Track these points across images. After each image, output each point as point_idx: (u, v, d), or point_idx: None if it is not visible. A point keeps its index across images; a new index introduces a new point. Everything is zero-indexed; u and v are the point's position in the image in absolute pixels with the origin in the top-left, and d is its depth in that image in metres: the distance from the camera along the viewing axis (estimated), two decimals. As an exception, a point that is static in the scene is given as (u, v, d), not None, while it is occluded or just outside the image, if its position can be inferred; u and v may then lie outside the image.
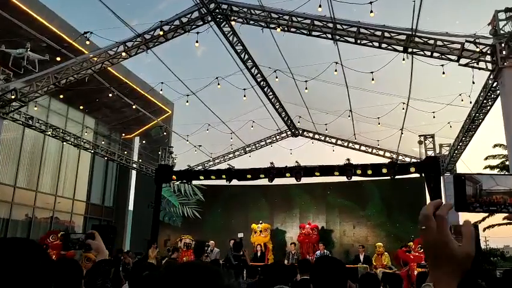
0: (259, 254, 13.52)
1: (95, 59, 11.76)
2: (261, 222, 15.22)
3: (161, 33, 10.99)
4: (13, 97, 11.98)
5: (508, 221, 21.61)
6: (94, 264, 2.79)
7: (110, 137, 19.66)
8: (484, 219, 22.33)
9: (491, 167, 21.19)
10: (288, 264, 9.88)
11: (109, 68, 12.59)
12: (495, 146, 20.27)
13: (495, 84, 9.29)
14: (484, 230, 22.07)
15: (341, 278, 2.33)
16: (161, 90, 13.60)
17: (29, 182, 17.14)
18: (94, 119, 19.95)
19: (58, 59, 11.72)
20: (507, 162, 15.06)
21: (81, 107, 17.85)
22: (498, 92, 9.28)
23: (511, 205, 1.02)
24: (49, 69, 11.90)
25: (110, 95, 14.49)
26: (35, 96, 12.49)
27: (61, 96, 15.16)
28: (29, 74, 11.86)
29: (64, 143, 15.72)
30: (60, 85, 12.17)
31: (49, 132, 14.43)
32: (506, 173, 16.52)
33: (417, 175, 13.48)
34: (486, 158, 21.36)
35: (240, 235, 15.04)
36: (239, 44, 11.98)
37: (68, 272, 2.80)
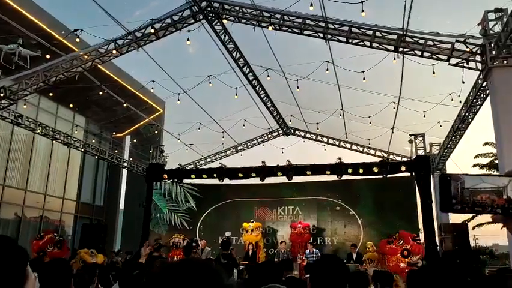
0: (250, 253, 13.51)
1: (86, 56, 11.66)
2: (252, 221, 15.22)
3: (152, 31, 10.92)
4: (2, 95, 11.84)
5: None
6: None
7: (101, 135, 19.51)
8: (473, 217, 22.54)
9: (481, 166, 21.38)
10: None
11: (99, 66, 12.49)
12: (485, 144, 20.46)
13: (484, 84, 9.38)
14: (473, 228, 22.26)
15: (342, 279, 2.32)
16: (152, 88, 13.53)
17: (18, 180, 16.96)
18: (84, 118, 19.79)
19: (48, 56, 11.58)
20: (496, 161, 15.21)
21: (71, 105, 17.69)
22: (488, 91, 9.37)
23: (499, 206, 0.96)
24: (39, 66, 11.78)
25: (101, 93, 14.37)
26: (24, 94, 12.35)
27: (51, 94, 15.03)
28: (18, 72, 11.72)
29: (54, 141, 15.57)
30: (50, 83, 12.05)
31: (39, 131, 14.28)
32: (496, 172, 16.70)
33: (408, 174, 13.56)
34: (476, 156, 21.56)
35: (227, 234, 15.02)
36: (231, 43, 11.95)
37: (58, 272, 2.77)
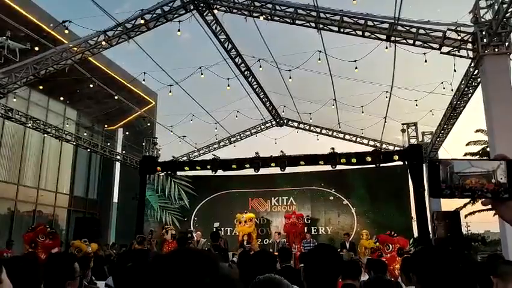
0: (245, 243, 13.57)
1: (75, 48, 11.52)
2: (245, 211, 15.25)
3: (142, 22, 10.81)
4: (-9, 88, 11.70)
5: (487, 207, 22.05)
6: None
7: (93, 128, 19.37)
8: (465, 205, 22.75)
9: (472, 154, 21.52)
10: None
11: (89, 58, 12.36)
12: (477, 131, 20.57)
13: (476, 72, 9.41)
14: (466, 216, 22.48)
15: (335, 268, 2.31)
16: (143, 80, 13.41)
17: (10, 175, 16.81)
18: (75, 111, 19.59)
19: (37, 49, 11.43)
20: (488, 149, 15.33)
21: (62, 98, 17.50)
22: (479, 79, 9.40)
23: (489, 191, 0.95)
24: (28, 59, 11.63)
25: (92, 85, 14.23)
26: (14, 88, 12.20)
27: (41, 87, 14.84)
28: (7, 65, 11.56)
29: (45, 135, 15.43)
30: (39, 76, 11.91)
31: (29, 124, 14.14)
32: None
33: (401, 163, 13.64)
34: (467, 144, 21.68)
35: (216, 224, 15.06)
36: (222, 33, 11.86)
37: (57, 268, 2.68)
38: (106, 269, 6.78)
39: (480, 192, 0.94)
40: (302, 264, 2.78)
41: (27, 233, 9.13)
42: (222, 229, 15.39)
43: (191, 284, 0.69)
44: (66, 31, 10.58)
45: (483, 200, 0.97)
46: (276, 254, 6.57)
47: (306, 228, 14.95)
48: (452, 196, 0.96)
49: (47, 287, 2.49)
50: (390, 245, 9.11)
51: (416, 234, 13.85)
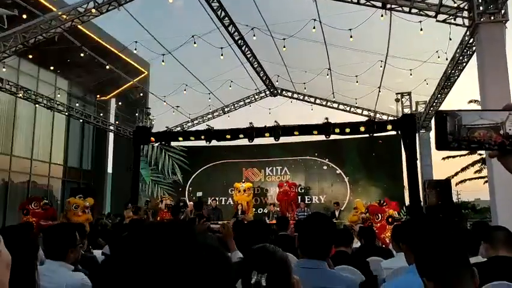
0: (239, 212, 13.74)
1: (64, 16, 11.24)
2: (243, 181, 15.38)
3: (133, -12, 10.53)
4: (-21, 58, 11.47)
5: (479, 175, 22.41)
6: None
7: (85, 98, 19.14)
8: (456, 174, 23.12)
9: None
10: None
11: (79, 26, 12.09)
12: (470, 101, 20.68)
13: (471, 40, 9.34)
14: (456, 184, 22.88)
15: (329, 236, 2.35)
16: (135, 49, 13.18)
17: (2, 146, 16.72)
18: (66, 81, 19.30)
19: (24, 16, 11.14)
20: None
21: (52, 68, 17.19)
22: (474, 48, 9.34)
23: (497, 144, 0.92)
24: (16, 27, 11.35)
25: (82, 54, 13.95)
26: (3, 57, 11.96)
27: (30, 57, 14.54)
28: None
29: (37, 105, 15.26)
30: (29, 45, 11.66)
31: (20, 94, 13.96)
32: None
33: (394, 132, 13.71)
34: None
35: (199, 194, 15.28)
36: (215, 1, 11.61)
37: (60, 237, 2.72)
38: (100, 239, 6.85)
39: (488, 145, 0.92)
40: (296, 233, 2.83)
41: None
42: (217, 199, 15.50)
43: (168, 251, 0.71)
44: (54, -2, 10.30)
45: (490, 152, 0.96)
46: (273, 222, 6.69)
47: (299, 197, 15.13)
48: (459, 149, 0.94)
49: (49, 257, 2.57)
50: (380, 215, 9.24)
51: (407, 203, 14.09)
